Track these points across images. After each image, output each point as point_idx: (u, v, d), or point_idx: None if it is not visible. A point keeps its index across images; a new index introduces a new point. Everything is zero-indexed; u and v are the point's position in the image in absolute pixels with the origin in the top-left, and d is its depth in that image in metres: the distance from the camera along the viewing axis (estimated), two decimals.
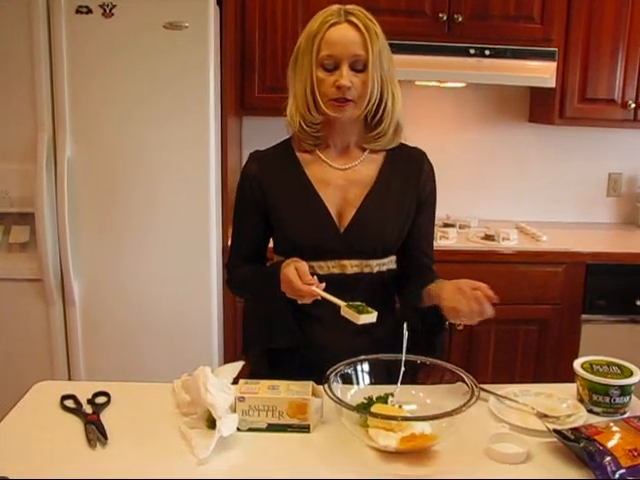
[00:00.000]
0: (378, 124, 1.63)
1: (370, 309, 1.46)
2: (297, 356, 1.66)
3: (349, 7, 1.56)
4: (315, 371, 1.41)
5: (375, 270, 1.64)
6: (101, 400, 1.49)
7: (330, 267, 1.62)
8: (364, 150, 1.67)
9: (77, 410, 1.45)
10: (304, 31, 1.58)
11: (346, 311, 1.45)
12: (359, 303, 1.47)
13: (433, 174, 1.74)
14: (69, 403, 1.48)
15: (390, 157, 1.69)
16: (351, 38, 1.52)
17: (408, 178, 1.68)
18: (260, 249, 1.75)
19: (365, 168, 1.66)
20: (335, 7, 1.56)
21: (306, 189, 1.64)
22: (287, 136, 1.72)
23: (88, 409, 1.45)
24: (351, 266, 1.62)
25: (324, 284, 1.49)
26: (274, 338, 1.67)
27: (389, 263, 1.68)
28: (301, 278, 1.48)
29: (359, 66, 1.53)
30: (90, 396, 1.49)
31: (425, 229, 1.75)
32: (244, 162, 1.74)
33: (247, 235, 1.75)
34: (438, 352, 1.65)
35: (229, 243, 1.81)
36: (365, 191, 1.64)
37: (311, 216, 1.62)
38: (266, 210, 1.67)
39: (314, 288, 1.47)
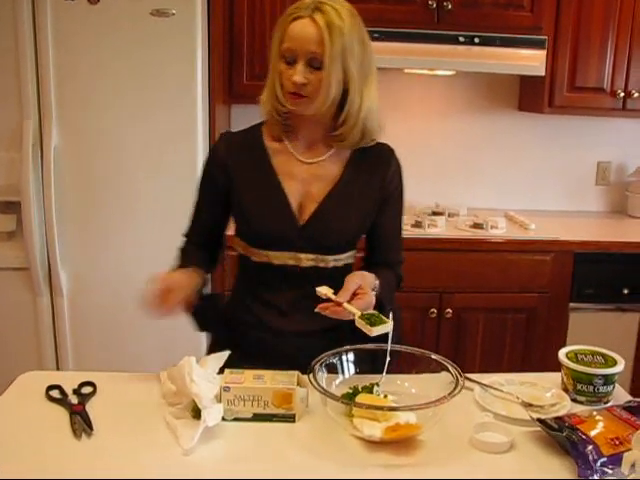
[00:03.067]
0: (341, 125, 1.59)
1: (384, 318, 1.44)
2: (253, 339, 1.67)
3: (325, 0, 1.51)
4: (268, 353, 1.51)
5: (330, 265, 1.63)
6: (87, 390, 1.49)
7: (286, 258, 1.61)
8: (330, 146, 1.65)
9: (62, 400, 1.44)
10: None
11: (359, 322, 1.44)
12: (373, 312, 1.47)
13: (400, 171, 1.72)
14: (54, 393, 1.47)
15: (357, 154, 1.66)
16: (308, 35, 1.48)
17: (373, 176, 1.67)
18: (215, 228, 1.75)
19: (330, 164, 1.64)
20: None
21: (270, 179, 1.63)
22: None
23: (74, 399, 1.45)
24: (307, 259, 1.61)
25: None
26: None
27: (346, 259, 1.67)
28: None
29: (316, 64, 1.49)
30: (76, 386, 1.49)
31: (391, 226, 1.74)
32: None
33: (204, 211, 1.74)
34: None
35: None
36: (328, 187, 1.62)
37: (272, 206, 1.61)
38: (227, 192, 1.66)
39: (346, 305, 1.47)
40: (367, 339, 1.46)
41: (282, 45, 1.51)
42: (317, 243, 1.61)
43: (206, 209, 1.74)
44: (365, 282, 1.53)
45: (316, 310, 1.48)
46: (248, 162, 1.65)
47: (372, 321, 1.43)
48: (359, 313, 1.45)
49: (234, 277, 1.78)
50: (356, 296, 1.48)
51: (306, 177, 1.63)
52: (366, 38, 1.58)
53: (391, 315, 1.47)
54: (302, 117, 1.60)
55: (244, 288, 1.73)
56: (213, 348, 1.68)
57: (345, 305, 1.45)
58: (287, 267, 1.62)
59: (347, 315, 1.46)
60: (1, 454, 1.25)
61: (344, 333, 1.67)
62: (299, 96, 1.52)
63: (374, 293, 1.54)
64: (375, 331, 1.42)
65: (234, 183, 1.64)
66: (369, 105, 1.58)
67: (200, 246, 1.76)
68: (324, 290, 1.50)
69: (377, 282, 1.58)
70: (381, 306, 1.56)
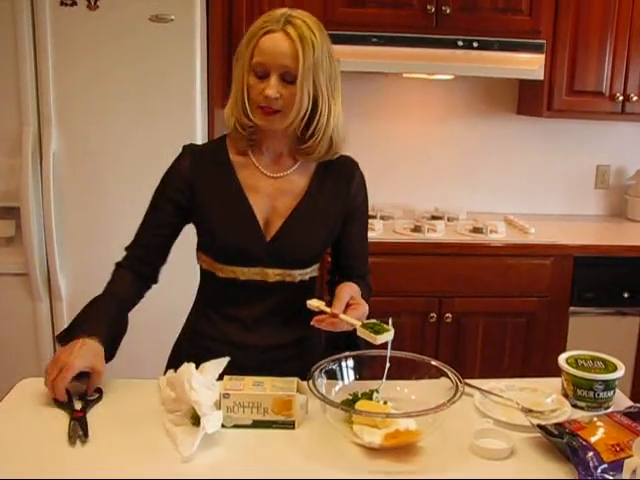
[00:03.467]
0: (309, 138, 1.57)
1: (386, 326, 1.43)
2: (213, 352, 1.57)
3: (294, 13, 1.50)
4: (234, 368, 1.44)
5: (297, 279, 1.62)
6: (93, 396, 1.48)
7: (252, 274, 1.59)
8: (296, 160, 1.63)
9: (66, 405, 1.43)
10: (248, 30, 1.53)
11: (362, 331, 1.43)
12: (374, 321, 1.45)
13: (364, 183, 1.71)
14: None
15: (322, 167, 1.65)
16: (282, 49, 1.46)
17: (338, 189, 1.66)
18: (161, 247, 1.70)
19: (296, 178, 1.63)
20: (279, 12, 1.50)
21: (235, 194, 1.60)
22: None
23: (78, 405, 1.44)
24: (274, 275, 1.60)
25: None
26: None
27: (312, 272, 1.66)
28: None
29: (289, 78, 1.48)
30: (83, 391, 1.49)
31: (357, 238, 1.73)
32: None
33: (153, 227, 1.68)
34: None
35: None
36: (295, 202, 1.61)
37: (238, 222, 1.59)
38: (189, 207, 1.63)
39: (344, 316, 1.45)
40: (330, 351, 1.51)
41: (253, 59, 1.48)
42: (284, 258, 1.60)
43: (157, 223, 1.67)
44: (355, 292, 1.53)
45: (312, 323, 1.47)
46: (213, 176, 1.62)
47: (375, 330, 1.42)
48: (360, 323, 1.44)
49: (197, 290, 1.75)
50: (349, 307, 1.47)
51: (272, 192, 1.61)
52: (333, 52, 1.55)
53: (391, 321, 1.47)
54: (268, 131, 1.57)
55: (207, 302, 1.70)
56: (173, 361, 1.66)
57: (342, 316, 1.44)
58: (254, 282, 1.60)
59: (344, 326, 1.45)
60: (0, 459, 1.24)
61: (309, 345, 1.69)
62: (270, 110, 1.50)
63: None
64: (379, 339, 1.40)
65: (198, 198, 1.61)
66: (337, 118, 1.57)
67: (139, 266, 1.69)
68: (316, 303, 1.49)
69: (359, 293, 1.58)
70: None
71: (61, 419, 1.39)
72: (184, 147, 1.68)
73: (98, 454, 1.28)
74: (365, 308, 1.50)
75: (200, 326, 1.71)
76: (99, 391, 1.50)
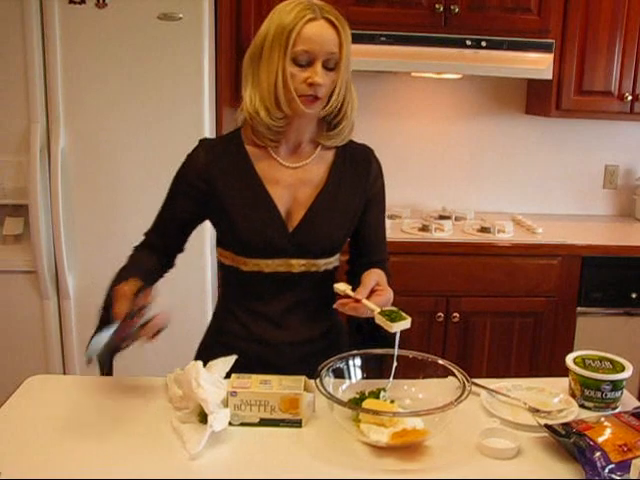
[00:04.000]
0: (338, 124, 1.60)
1: (404, 314, 1.43)
2: (241, 350, 1.58)
3: (318, 2, 1.51)
4: (258, 365, 1.47)
5: (322, 269, 1.62)
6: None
7: (277, 265, 1.59)
8: (316, 147, 1.64)
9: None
10: (271, 22, 1.51)
11: (379, 318, 1.42)
12: (393, 309, 1.45)
13: (381, 170, 1.72)
14: None
15: (340, 155, 1.66)
16: (328, 36, 1.48)
17: (357, 176, 1.66)
18: (178, 239, 1.71)
19: (316, 167, 1.63)
20: (305, 0, 1.50)
21: (256, 186, 1.59)
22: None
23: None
24: (298, 265, 1.60)
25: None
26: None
27: (335, 261, 1.67)
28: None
29: (331, 65, 1.50)
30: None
31: (375, 225, 1.73)
32: None
33: (170, 222, 1.69)
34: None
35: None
36: (315, 191, 1.61)
37: (260, 215, 1.58)
38: (206, 201, 1.62)
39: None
40: (357, 344, 1.50)
41: (295, 48, 1.47)
42: (308, 248, 1.60)
43: (174, 218, 1.68)
44: (382, 279, 1.52)
45: (335, 306, 1.48)
46: (231, 169, 1.61)
47: (392, 317, 1.41)
48: (378, 309, 1.43)
49: (219, 287, 1.74)
50: (374, 293, 1.47)
51: (292, 182, 1.61)
52: None
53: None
54: (293, 122, 1.57)
55: (232, 299, 1.69)
56: (202, 355, 1.66)
57: (364, 301, 1.44)
58: (279, 274, 1.59)
59: (365, 312, 1.45)
60: (8, 457, 1.25)
61: (337, 338, 1.70)
62: (314, 98, 1.51)
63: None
64: (395, 327, 1.40)
65: (217, 192, 1.60)
66: (356, 104, 1.61)
67: (156, 250, 1.70)
68: (342, 287, 1.50)
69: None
70: None
71: (68, 417, 1.40)
72: (200, 141, 1.68)
73: (106, 451, 1.28)
74: (389, 295, 1.50)
75: (227, 325, 1.69)
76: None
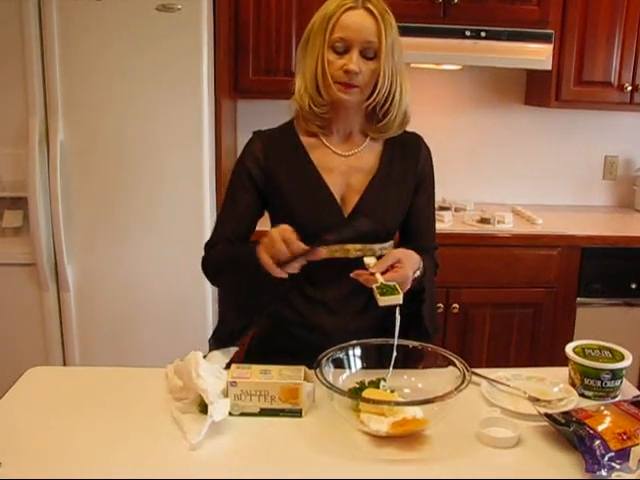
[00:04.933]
0: (385, 115, 1.62)
1: (397, 291, 1.41)
2: (297, 338, 1.65)
3: None
4: (314, 353, 1.42)
5: (378, 254, 1.63)
6: None
7: (333, 251, 1.59)
8: (366, 137, 1.67)
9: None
10: (319, 12, 1.57)
11: (374, 291, 1.43)
12: (390, 284, 1.43)
13: (430, 157, 1.75)
14: None
15: (390, 144, 1.69)
16: (366, 24, 1.51)
17: (407, 163, 1.69)
18: (247, 231, 1.69)
19: (367, 155, 1.67)
20: None
21: (311, 174, 1.63)
22: (288, 118, 1.70)
23: None
24: (354, 250, 1.62)
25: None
26: (261, 304, 1.65)
27: (390, 246, 1.69)
28: (286, 243, 1.39)
29: (370, 54, 1.53)
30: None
31: (423, 211, 1.75)
32: (239, 145, 1.71)
33: (238, 213, 1.68)
34: (430, 335, 1.67)
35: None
36: (368, 178, 1.64)
37: (317, 202, 1.62)
38: (265, 191, 1.65)
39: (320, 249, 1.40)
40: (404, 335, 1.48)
41: (333, 35, 1.51)
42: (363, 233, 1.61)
43: (240, 211, 1.67)
44: (406, 258, 1.50)
45: (351, 275, 1.49)
46: (286, 159, 1.65)
47: (384, 291, 1.41)
48: (379, 282, 1.43)
49: None
50: (392, 269, 1.47)
51: (345, 170, 1.64)
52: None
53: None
54: (340, 110, 1.61)
55: (287, 285, 1.66)
56: (252, 348, 1.68)
57: (377, 275, 1.45)
58: (335, 260, 1.60)
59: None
60: (8, 448, 1.25)
61: (389, 329, 1.68)
62: (350, 85, 1.53)
63: (417, 274, 1.53)
64: (382, 301, 1.40)
65: (274, 181, 1.63)
66: (408, 94, 1.63)
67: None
68: (368, 260, 1.51)
69: (422, 264, 1.57)
70: (422, 290, 1.59)
71: (68, 408, 1.40)
72: (254, 133, 1.71)
73: (106, 442, 1.28)
74: (405, 273, 1.47)
75: (282, 311, 1.69)
76: None
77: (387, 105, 1.61)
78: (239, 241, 1.67)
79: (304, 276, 1.60)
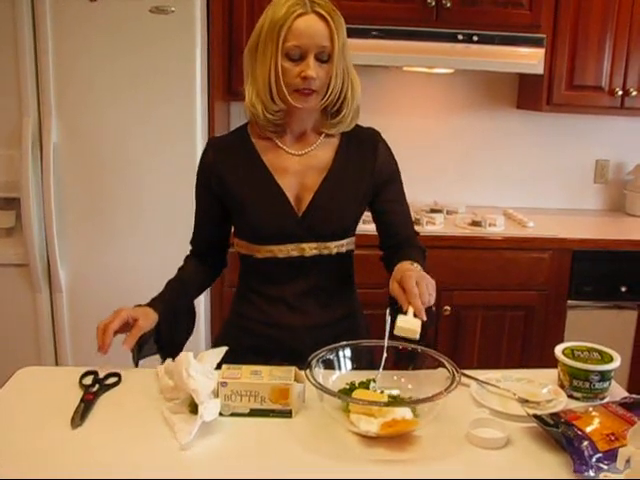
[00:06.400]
0: (338, 112, 1.63)
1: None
2: (261, 336, 1.69)
3: None
4: (279, 349, 1.58)
5: (334, 252, 1.66)
6: (111, 381, 1.53)
7: (289, 250, 1.63)
8: (320, 134, 1.68)
9: (88, 387, 1.48)
10: (265, 17, 1.54)
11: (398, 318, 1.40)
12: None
13: (390, 152, 1.74)
14: (87, 380, 1.52)
15: (345, 139, 1.69)
16: (318, 29, 1.51)
17: (364, 160, 1.69)
18: (216, 234, 1.77)
19: (321, 152, 1.67)
20: None
21: (263, 176, 1.64)
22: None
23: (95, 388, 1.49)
24: (310, 249, 1.64)
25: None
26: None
27: (348, 244, 1.69)
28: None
29: (324, 57, 1.53)
30: (102, 376, 1.54)
31: (399, 206, 1.76)
32: None
33: (203, 223, 1.78)
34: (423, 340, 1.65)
35: None
36: (322, 175, 1.65)
37: (270, 203, 1.63)
38: (222, 197, 1.67)
39: None
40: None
41: (287, 43, 1.50)
42: (317, 231, 1.63)
43: (205, 217, 1.76)
44: (421, 278, 1.47)
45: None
46: (238, 163, 1.66)
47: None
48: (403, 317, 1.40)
49: (237, 276, 1.77)
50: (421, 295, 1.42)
51: (299, 169, 1.65)
52: None
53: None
54: (294, 113, 1.61)
55: (249, 286, 1.73)
56: (219, 345, 1.68)
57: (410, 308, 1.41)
58: (292, 259, 1.64)
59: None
60: None
61: (354, 323, 1.74)
62: (309, 91, 1.53)
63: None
64: (398, 330, 1.38)
65: (228, 186, 1.65)
66: (359, 87, 1.64)
67: (202, 256, 1.79)
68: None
69: (416, 265, 1.56)
70: None
71: (59, 407, 1.40)
72: (208, 140, 1.76)
73: (96, 442, 1.29)
74: (426, 280, 1.47)
75: (244, 310, 1.74)
76: (117, 376, 1.53)
77: (340, 103, 1.62)
78: (211, 246, 1.79)
79: (264, 276, 1.67)
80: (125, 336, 1.56)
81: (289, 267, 1.64)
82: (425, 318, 1.40)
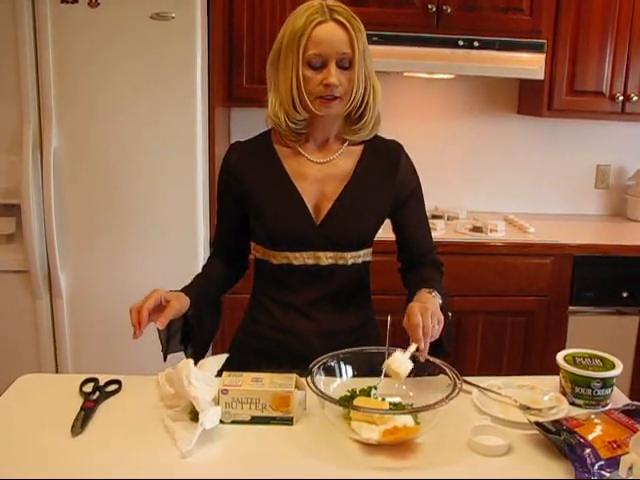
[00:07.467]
0: (360, 118, 1.63)
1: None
2: (274, 341, 1.70)
3: (330, 3, 1.55)
4: (291, 356, 1.56)
5: (350, 262, 1.66)
6: (112, 388, 1.53)
7: (305, 258, 1.63)
8: (343, 142, 1.68)
9: (88, 395, 1.48)
10: (286, 27, 1.56)
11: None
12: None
13: (412, 166, 1.74)
14: (87, 387, 1.51)
15: (368, 150, 1.69)
16: (338, 37, 1.52)
17: (385, 172, 1.69)
18: (238, 239, 1.77)
19: (343, 161, 1.67)
20: (317, 3, 1.54)
21: (283, 182, 1.64)
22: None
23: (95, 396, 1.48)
24: (326, 258, 1.64)
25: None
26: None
27: (364, 255, 1.69)
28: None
29: (345, 64, 1.54)
30: (102, 383, 1.53)
31: (418, 221, 1.76)
32: None
33: (225, 225, 1.79)
34: (443, 352, 1.57)
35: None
36: (342, 185, 1.65)
37: (288, 209, 1.63)
38: (242, 200, 1.68)
39: None
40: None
41: (307, 52, 1.52)
42: (334, 241, 1.63)
43: (227, 219, 1.77)
44: (424, 310, 1.44)
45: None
46: (260, 168, 1.67)
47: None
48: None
49: (252, 281, 1.78)
50: (425, 335, 1.41)
51: (320, 177, 1.65)
52: None
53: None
54: (318, 121, 1.62)
55: (263, 291, 1.74)
56: (233, 351, 1.67)
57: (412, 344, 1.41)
58: (307, 267, 1.64)
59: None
60: None
61: (366, 332, 1.72)
62: (332, 98, 1.54)
63: (439, 301, 1.55)
64: (386, 366, 1.39)
65: (248, 190, 1.66)
66: (380, 95, 1.64)
67: (224, 257, 1.80)
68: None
69: (434, 293, 1.56)
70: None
71: (59, 415, 1.39)
72: (230, 145, 1.75)
73: (97, 449, 1.28)
74: (435, 315, 1.45)
75: (258, 315, 1.74)
76: (118, 383, 1.53)
77: (362, 109, 1.62)
78: (233, 249, 1.80)
79: (278, 282, 1.68)
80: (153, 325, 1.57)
81: (304, 275, 1.64)
82: (423, 348, 1.39)
